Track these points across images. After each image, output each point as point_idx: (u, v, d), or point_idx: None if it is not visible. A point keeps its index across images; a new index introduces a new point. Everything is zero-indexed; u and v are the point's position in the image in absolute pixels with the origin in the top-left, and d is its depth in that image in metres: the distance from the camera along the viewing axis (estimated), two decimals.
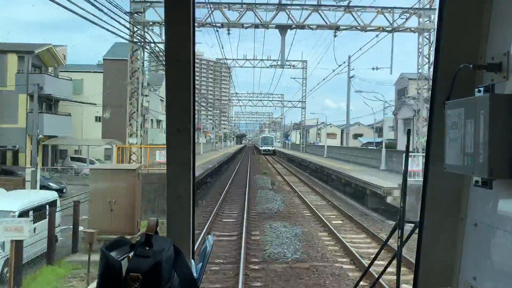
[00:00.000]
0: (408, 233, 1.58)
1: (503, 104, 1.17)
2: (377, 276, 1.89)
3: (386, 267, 1.68)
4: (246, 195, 23.29)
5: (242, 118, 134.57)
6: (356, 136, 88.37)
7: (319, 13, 23.83)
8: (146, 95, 25.66)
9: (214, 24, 24.40)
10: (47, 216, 12.28)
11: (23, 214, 11.13)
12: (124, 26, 19.42)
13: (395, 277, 1.62)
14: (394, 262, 1.62)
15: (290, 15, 24.41)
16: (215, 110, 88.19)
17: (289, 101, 76.90)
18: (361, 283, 2.02)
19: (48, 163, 34.80)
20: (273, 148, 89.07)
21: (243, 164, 51.89)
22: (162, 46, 21.69)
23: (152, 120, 59.31)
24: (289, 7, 24.26)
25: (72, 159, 38.15)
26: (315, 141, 77.69)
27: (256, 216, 17.89)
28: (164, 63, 1.90)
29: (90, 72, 44.07)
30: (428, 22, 23.02)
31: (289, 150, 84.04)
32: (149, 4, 22.95)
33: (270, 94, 75.45)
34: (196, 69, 1.70)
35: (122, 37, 21.04)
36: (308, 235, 14.25)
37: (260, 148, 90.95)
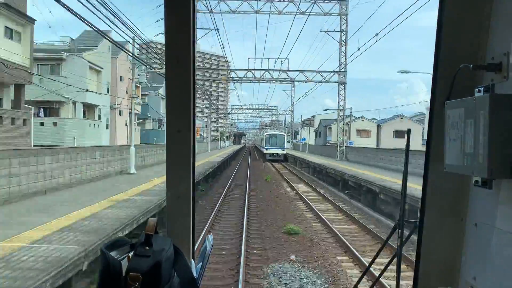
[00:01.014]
0: (408, 233, 1.57)
1: (503, 104, 1.16)
2: (377, 276, 1.89)
3: (386, 267, 1.66)
4: None
5: (241, 111, 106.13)
6: (399, 133, 60.46)
7: None
8: None
9: None
10: None
11: None
12: None
13: (395, 277, 1.60)
14: (394, 261, 1.61)
15: None
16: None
17: (319, 71, 38.69)
18: (362, 281, 1.93)
19: None
20: (284, 152, 60.96)
21: (230, 200, 21.73)
22: None
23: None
24: None
25: None
26: (347, 141, 51.13)
27: None
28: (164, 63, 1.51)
29: None
30: None
31: (308, 154, 55.80)
32: None
33: (283, 60, 44.13)
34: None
35: None
36: None
37: (265, 151, 62.66)
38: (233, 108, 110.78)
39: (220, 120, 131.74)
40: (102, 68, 38.12)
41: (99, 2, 14.27)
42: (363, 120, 71.81)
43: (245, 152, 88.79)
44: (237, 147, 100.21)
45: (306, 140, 74.00)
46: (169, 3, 1.54)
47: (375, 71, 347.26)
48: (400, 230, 1.54)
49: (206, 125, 76.69)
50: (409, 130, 1.69)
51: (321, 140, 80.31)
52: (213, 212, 16.88)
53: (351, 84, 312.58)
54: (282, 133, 67.51)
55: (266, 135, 65.68)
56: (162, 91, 63.44)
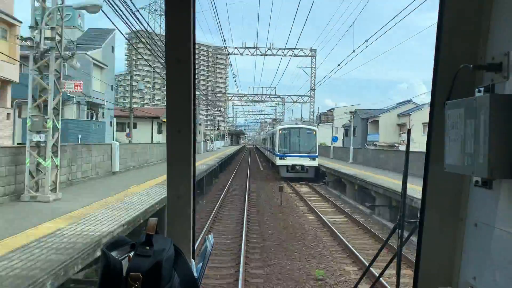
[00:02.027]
0: (408, 233, 1.56)
1: (503, 104, 1.16)
2: (377, 276, 1.83)
3: (386, 267, 1.66)
4: None
5: (238, 102, 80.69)
6: None
7: None
8: None
9: None
10: None
11: None
12: None
13: (395, 277, 1.60)
14: (394, 261, 1.60)
15: None
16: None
17: None
18: (362, 282, 1.72)
19: None
20: (316, 164, 33.14)
21: None
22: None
23: None
24: None
25: None
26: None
27: None
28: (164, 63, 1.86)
29: None
30: None
31: (363, 168, 29.36)
32: None
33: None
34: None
35: None
36: None
37: (279, 161, 33.64)
38: (225, 93, 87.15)
39: (218, 118, 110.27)
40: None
41: None
42: (422, 110, 48.69)
43: (243, 158, 68.51)
44: (233, 149, 73.77)
45: (338, 140, 50.18)
46: (169, 4, 1.57)
47: (374, 71, 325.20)
48: (400, 230, 1.54)
49: (200, 123, 58.43)
50: (409, 131, 1.72)
51: (356, 140, 51.38)
52: None
53: (350, 84, 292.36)
54: (312, 128, 36.71)
55: (281, 130, 35.28)
56: (99, 54, 32.46)
